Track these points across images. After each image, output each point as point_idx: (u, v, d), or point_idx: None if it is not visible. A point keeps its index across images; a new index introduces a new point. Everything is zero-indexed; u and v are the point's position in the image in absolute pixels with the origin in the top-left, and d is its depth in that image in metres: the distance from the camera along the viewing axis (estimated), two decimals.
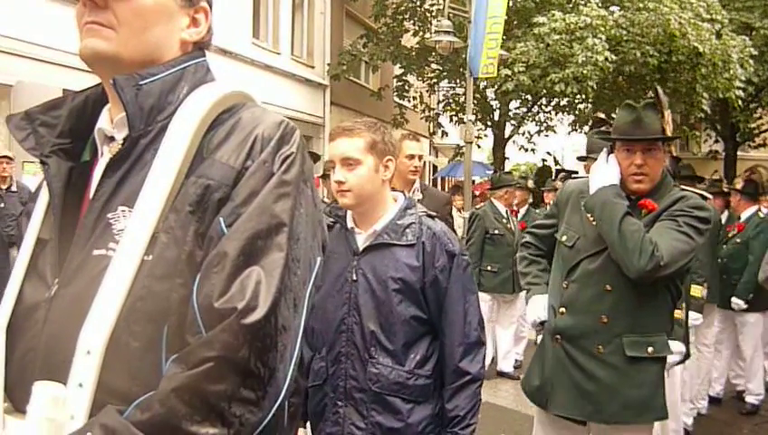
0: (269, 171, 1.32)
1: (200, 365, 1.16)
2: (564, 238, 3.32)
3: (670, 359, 4.10)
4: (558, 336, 3.24)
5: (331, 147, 2.60)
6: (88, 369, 1.21)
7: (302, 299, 1.31)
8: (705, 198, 3.27)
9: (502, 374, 7.92)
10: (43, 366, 1.27)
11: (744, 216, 6.87)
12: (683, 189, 3.22)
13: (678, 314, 4.13)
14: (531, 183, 11.04)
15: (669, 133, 3.17)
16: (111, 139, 1.42)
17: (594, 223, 3.14)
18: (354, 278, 2.57)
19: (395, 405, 2.54)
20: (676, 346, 4.14)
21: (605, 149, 3.31)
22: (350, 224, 2.64)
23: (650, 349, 3.09)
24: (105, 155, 1.42)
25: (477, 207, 9.09)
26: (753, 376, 6.89)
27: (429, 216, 2.67)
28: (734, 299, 6.59)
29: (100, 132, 1.44)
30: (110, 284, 1.24)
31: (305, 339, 1.36)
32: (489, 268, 7.70)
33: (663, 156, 3.20)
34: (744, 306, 6.56)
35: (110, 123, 1.43)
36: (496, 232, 7.79)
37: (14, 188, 9.21)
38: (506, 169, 17.17)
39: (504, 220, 7.97)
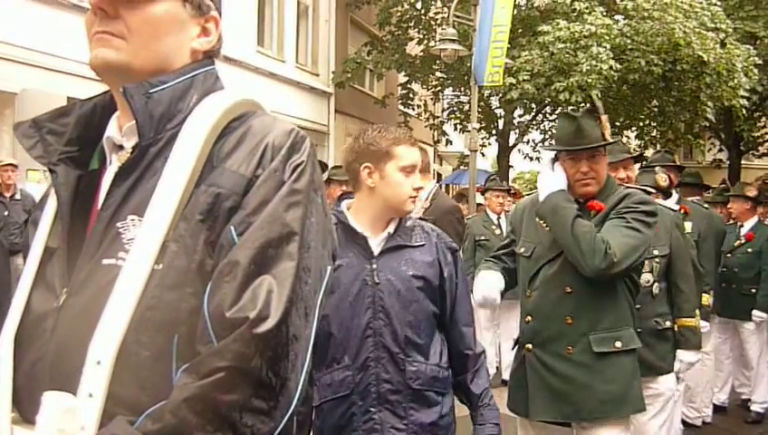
0: (280, 180, 1.31)
1: (212, 375, 1.15)
2: (522, 250, 3.41)
3: (677, 366, 4.09)
4: (528, 345, 3.31)
5: (413, 153, 2.66)
6: (98, 379, 1.20)
7: (312, 308, 1.30)
8: (648, 192, 3.40)
9: (506, 383, 7.90)
10: (52, 376, 1.26)
11: (749, 225, 6.85)
12: (627, 187, 3.38)
13: (692, 322, 4.12)
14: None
15: (608, 137, 3.28)
16: (120, 147, 1.41)
17: (547, 229, 3.23)
18: (376, 281, 2.58)
19: (431, 399, 2.61)
20: (688, 356, 4.13)
21: (549, 159, 3.40)
22: (358, 229, 2.63)
23: (618, 343, 3.17)
24: (114, 163, 1.41)
25: (470, 216, 9.09)
26: (758, 384, 6.87)
27: (424, 218, 2.78)
28: (755, 312, 6.58)
29: (108, 141, 1.43)
30: (120, 293, 1.23)
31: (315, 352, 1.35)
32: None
33: (605, 159, 3.33)
34: (767, 318, 6.58)
35: (119, 131, 1.42)
36: (482, 238, 7.88)
37: (17, 196, 9.23)
38: (510, 178, 17.14)
39: (493, 226, 8.04)
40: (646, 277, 3.96)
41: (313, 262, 1.32)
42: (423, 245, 2.68)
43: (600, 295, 3.17)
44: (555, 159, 3.35)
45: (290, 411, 1.24)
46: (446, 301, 2.71)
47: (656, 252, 4.04)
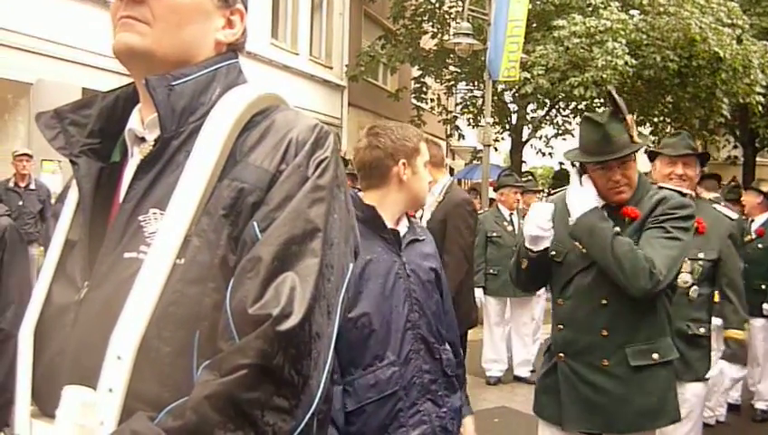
0: (303, 175, 1.30)
1: (234, 373, 1.14)
2: (554, 253, 3.24)
3: (720, 377, 3.99)
4: (561, 354, 3.21)
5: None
6: (118, 374, 1.19)
7: (335, 306, 1.29)
8: (683, 194, 3.24)
9: (518, 379, 7.91)
10: (71, 370, 1.26)
11: (760, 220, 6.80)
12: (661, 188, 3.23)
13: (740, 334, 4.05)
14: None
15: (636, 139, 3.11)
16: (142, 139, 1.40)
17: (583, 250, 3.10)
18: (408, 274, 2.63)
19: (455, 385, 2.75)
20: (733, 371, 4.05)
21: (574, 170, 3.26)
22: (387, 223, 2.63)
23: (655, 355, 3.08)
24: (135, 156, 1.40)
25: (482, 211, 9.08)
26: (764, 380, 6.84)
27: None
28: (766, 306, 6.55)
29: (130, 133, 1.42)
30: (142, 287, 1.22)
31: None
32: (491, 271, 7.78)
33: (636, 162, 3.15)
34: None
35: (141, 124, 1.41)
36: (494, 234, 7.88)
37: (32, 186, 9.28)
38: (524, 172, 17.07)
39: (506, 222, 8.01)
40: (684, 278, 3.86)
41: (336, 259, 1.30)
42: (425, 239, 2.80)
43: (637, 307, 3.04)
44: (582, 170, 3.21)
45: (311, 410, 1.23)
46: (442, 291, 2.83)
47: (701, 255, 3.93)
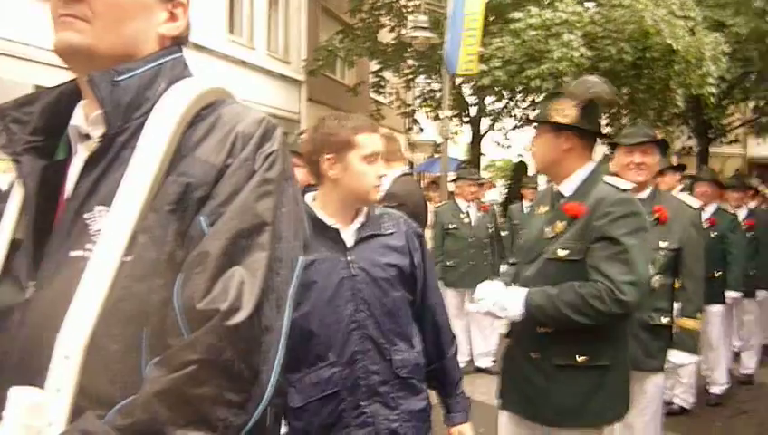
0: (251, 169, 1.29)
1: (183, 368, 1.14)
2: (519, 241, 3.47)
3: (667, 365, 4.03)
4: (508, 339, 3.34)
5: (375, 140, 2.60)
6: (66, 373, 1.18)
7: (285, 299, 1.29)
8: (623, 190, 3.14)
9: (480, 370, 7.95)
10: (18, 371, 1.24)
11: (710, 210, 6.95)
12: (608, 184, 3.13)
13: (691, 323, 4.06)
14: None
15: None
16: (86, 136, 1.38)
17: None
18: (353, 273, 2.54)
19: (416, 387, 2.64)
20: (680, 357, 4.06)
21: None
22: (328, 221, 2.58)
23: (581, 358, 3.03)
24: (80, 153, 1.38)
25: (438, 204, 9.11)
26: (717, 366, 7.00)
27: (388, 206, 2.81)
28: (728, 293, 6.86)
29: (73, 130, 1.40)
30: (89, 286, 1.20)
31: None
32: (449, 263, 7.81)
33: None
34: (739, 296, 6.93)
35: (85, 120, 1.39)
36: (451, 226, 7.92)
37: None
38: (483, 165, 17.19)
39: (462, 215, 8.04)
40: None
41: (285, 253, 1.30)
42: (393, 232, 2.66)
43: None
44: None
45: (263, 404, 1.23)
46: (416, 287, 2.70)
47: (663, 244, 3.95)
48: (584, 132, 3.19)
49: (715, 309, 6.83)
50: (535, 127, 3.30)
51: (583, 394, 3.06)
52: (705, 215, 6.90)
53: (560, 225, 3.09)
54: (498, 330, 8.52)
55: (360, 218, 2.64)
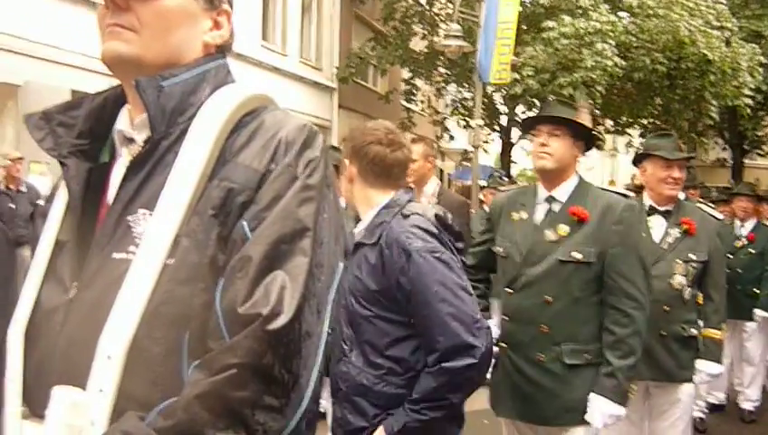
0: (293, 175, 1.30)
1: (223, 372, 1.15)
2: (499, 250, 3.40)
3: (696, 377, 4.01)
4: (504, 344, 3.31)
5: None
6: (108, 374, 1.19)
7: (325, 305, 1.29)
8: (626, 196, 3.36)
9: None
10: (61, 371, 1.26)
11: (749, 225, 6.84)
12: (604, 190, 3.40)
13: (717, 334, 4.02)
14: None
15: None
16: (131, 140, 1.40)
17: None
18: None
19: (362, 407, 2.53)
20: (708, 367, 4.02)
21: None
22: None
23: (588, 356, 3.16)
24: (124, 157, 1.40)
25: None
26: (753, 383, 6.89)
27: (408, 214, 2.55)
28: (757, 311, 6.62)
29: (119, 134, 1.42)
30: (131, 288, 1.22)
31: None
32: None
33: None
34: None
35: (130, 125, 1.41)
36: None
37: (23, 189, 9.23)
38: (513, 174, 17.13)
39: None
40: (679, 280, 3.88)
41: (326, 258, 1.31)
42: (375, 244, 2.52)
43: (580, 311, 3.16)
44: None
45: (302, 408, 1.23)
46: (407, 311, 2.48)
47: (693, 256, 3.93)
48: (589, 143, 3.40)
49: (754, 325, 6.74)
50: (553, 125, 3.29)
51: (589, 390, 3.15)
52: (744, 231, 6.82)
53: (563, 228, 3.20)
54: None
55: (360, 225, 2.66)
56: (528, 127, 3.47)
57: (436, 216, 2.59)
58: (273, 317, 1.17)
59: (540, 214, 3.32)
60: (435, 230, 2.52)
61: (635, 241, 3.19)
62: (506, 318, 3.33)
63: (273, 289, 1.19)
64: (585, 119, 3.54)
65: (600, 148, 21.18)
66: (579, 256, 3.13)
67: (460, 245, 2.66)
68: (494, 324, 3.36)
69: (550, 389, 3.16)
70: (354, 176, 2.69)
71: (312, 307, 1.25)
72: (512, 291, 3.30)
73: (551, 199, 3.31)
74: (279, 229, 1.25)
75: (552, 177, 3.31)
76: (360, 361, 2.54)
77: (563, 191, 3.29)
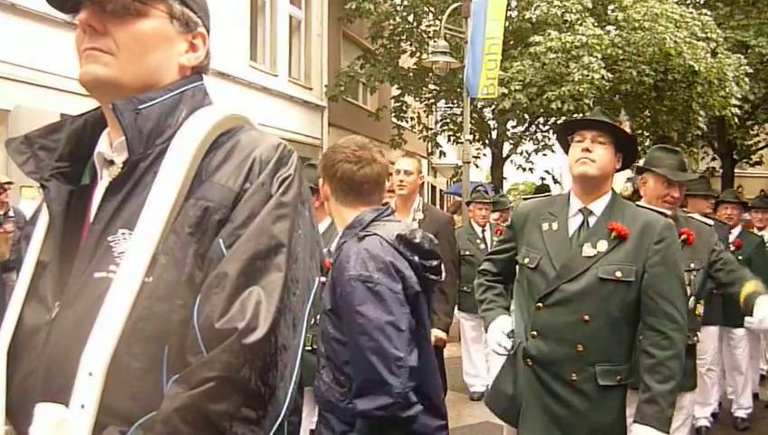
0: (267, 193, 1.33)
1: (202, 385, 1.18)
2: (527, 260, 3.23)
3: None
4: (529, 360, 3.16)
5: None
6: (90, 390, 1.22)
7: (300, 318, 1.33)
8: (665, 214, 3.29)
9: None
10: (44, 388, 1.28)
11: (735, 232, 6.88)
12: (640, 207, 3.33)
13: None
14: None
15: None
16: (111, 162, 1.43)
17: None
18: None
19: (331, 423, 2.58)
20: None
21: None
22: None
23: (619, 377, 3.06)
24: (105, 178, 1.43)
25: (460, 226, 9.07)
26: (744, 390, 6.91)
27: (363, 236, 2.52)
28: (748, 319, 6.55)
29: (99, 156, 1.46)
30: (112, 305, 1.25)
31: None
32: (465, 288, 7.62)
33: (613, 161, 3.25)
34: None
35: (110, 147, 1.44)
36: (467, 253, 7.81)
37: (11, 214, 9.21)
38: (505, 190, 17.17)
39: (478, 240, 8.03)
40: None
41: (301, 273, 1.34)
42: (333, 261, 2.57)
43: (617, 330, 3.06)
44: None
45: (279, 420, 1.26)
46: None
47: (693, 265, 3.96)
48: (628, 158, 3.30)
49: (742, 332, 6.74)
50: (598, 131, 3.18)
51: (618, 412, 3.10)
52: (731, 237, 6.84)
53: (602, 244, 3.07)
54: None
55: (331, 246, 2.73)
56: (567, 131, 3.32)
57: (399, 236, 2.51)
58: (250, 331, 1.20)
59: (573, 226, 3.19)
60: (386, 256, 2.45)
61: (675, 261, 3.11)
62: (535, 334, 3.14)
63: (249, 304, 1.23)
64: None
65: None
66: (619, 274, 3.02)
67: (433, 262, 2.59)
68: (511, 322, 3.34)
69: (581, 410, 3.04)
70: (329, 194, 2.73)
71: (288, 321, 1.28)
72: (542, 305, 3.13)
73: (586, 212, 3.18)
74: (254, 246, 1.28)
75: (590, 186, 3.17)
76: (329, 377, 2.57)
77: (599, 206, 3.17)
